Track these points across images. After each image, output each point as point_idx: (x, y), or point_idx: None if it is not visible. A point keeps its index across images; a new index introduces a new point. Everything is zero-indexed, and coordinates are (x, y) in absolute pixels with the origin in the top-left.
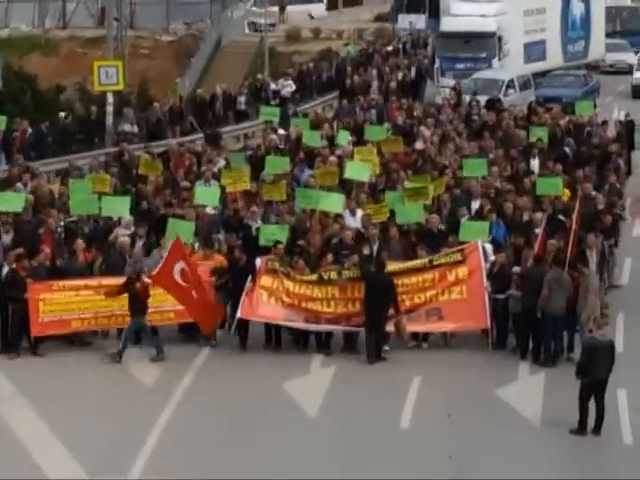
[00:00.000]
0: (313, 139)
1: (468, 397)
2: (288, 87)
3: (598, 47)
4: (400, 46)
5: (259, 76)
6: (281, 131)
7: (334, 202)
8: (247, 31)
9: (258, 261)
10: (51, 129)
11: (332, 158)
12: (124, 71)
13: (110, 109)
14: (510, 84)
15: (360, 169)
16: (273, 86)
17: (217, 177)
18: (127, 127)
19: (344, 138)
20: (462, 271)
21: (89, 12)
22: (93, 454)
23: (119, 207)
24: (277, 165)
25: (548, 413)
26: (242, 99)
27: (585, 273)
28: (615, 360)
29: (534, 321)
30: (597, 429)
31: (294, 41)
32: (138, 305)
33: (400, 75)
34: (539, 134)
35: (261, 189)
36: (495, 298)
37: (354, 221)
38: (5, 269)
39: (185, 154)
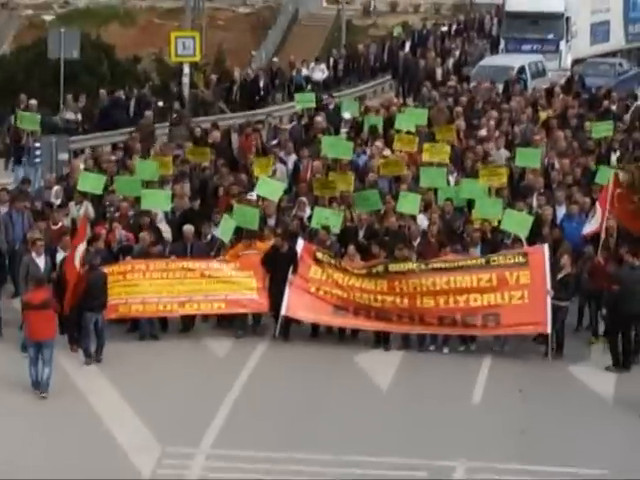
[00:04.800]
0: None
1: (540, 374)
2: (319, 72)
3: None
4: (454, 27)
5: (275, 60)
6: (347, 115)
7: (410, 203)
8: (324, 4)
9: (299, 247)
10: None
11: (378, 143)
12: (201, 42)
13: (186, 80)
14: (521, 71)
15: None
16: (305, 71)
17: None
18: (70, 115)
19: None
20: (524, 275)
21: None
22: (164, 423)
23: (161, 201)
24: (339, 149)
25: (620, 391)
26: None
27: None
28: None
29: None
30: (627, 365)
31: (370, 15)
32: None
33: (452, 60)
34: (604, 130)
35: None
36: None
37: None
38: (60, 254)
39: (251, 134)
